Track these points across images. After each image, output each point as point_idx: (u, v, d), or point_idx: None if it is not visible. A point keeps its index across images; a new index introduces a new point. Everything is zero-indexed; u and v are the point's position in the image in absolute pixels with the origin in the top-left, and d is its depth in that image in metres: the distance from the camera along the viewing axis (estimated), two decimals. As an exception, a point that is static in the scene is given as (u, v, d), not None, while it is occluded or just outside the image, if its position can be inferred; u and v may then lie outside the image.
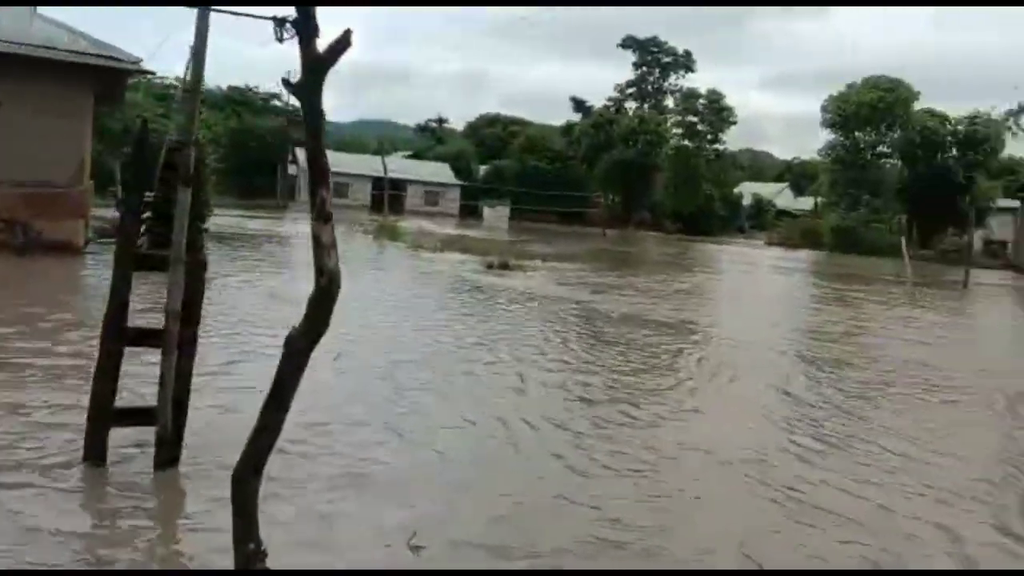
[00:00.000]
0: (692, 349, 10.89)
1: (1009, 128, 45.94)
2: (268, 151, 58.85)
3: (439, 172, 69.79)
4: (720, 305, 18.82)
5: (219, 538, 3.37)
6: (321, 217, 2.61)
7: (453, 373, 8.09)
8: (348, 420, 6.13)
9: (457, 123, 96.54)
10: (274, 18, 2.73)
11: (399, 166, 62.31)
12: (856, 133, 56.18)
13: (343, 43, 2.49)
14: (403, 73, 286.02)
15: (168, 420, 4.73)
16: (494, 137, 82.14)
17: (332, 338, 9.05)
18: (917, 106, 55.61)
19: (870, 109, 54.26)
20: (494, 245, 29.08)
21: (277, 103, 69.88)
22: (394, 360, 8.35)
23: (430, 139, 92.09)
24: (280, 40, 2.74)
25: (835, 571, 3.89)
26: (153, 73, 22.24)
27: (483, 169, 72.46)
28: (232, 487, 2.81)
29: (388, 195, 36.85)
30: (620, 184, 64.22)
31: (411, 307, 12.63)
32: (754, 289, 24.24)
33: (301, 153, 68.03)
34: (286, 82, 2.68)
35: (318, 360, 7.86)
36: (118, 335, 4.71)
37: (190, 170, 4.67)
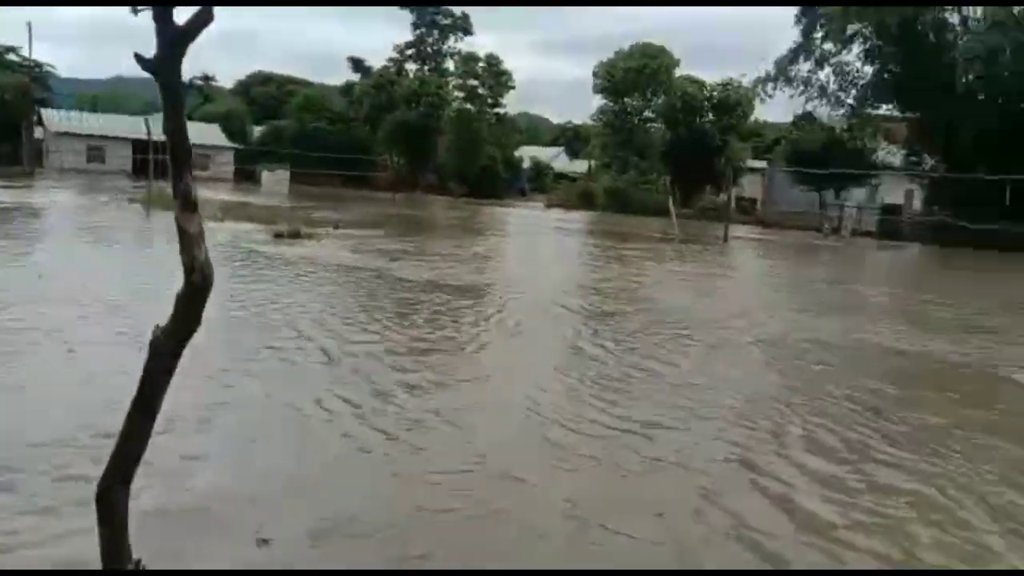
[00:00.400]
0: (491, 310, 11.19)
1: (758, 94, 50.69)
2: (8, 112, 52.14)
3: (208, 133, 65.43)
4: (513, 267, 19.30)
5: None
6: (187, 206, 2.31)
7: (256, 351, 7.63)
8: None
9: (226, 81, 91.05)
10: None
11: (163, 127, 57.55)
12: (625, 99, 59.40)
13: (205, 15, 2.18)
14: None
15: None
16: (268, 96, 78.38)
17: (125, 317, 8.21)
18: (678, 73, 59.78)
19: (636, 75, 57.52)
20: (279, 212, 27.84)
21: (13, 57, 62.14)
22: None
23: (196, 97, 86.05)
24: (135, 11, 2.34)
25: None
26: None
27: (258, 131, 69.01)
28: (98, 502, 2.55)
29: (154, 159, 33.91)
30: (404, 146, 63.79)
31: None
32: (542, 250, 25.13)
33: (48, 113, 61.29)
34: (139, 57, 2.30)
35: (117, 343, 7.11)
36: None
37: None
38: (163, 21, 2.18)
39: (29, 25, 46.96)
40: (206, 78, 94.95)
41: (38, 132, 56.08)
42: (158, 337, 2.45)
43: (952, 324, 12.85)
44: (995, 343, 11.17)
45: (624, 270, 18.72)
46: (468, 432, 5.76)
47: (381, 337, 8.75)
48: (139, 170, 52.50)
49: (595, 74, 60.47)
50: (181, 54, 2.29)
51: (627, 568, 3.90)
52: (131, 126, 58.65)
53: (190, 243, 2.36)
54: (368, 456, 5.15)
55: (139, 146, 54.17)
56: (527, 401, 6.54)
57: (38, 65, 62.07)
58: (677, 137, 58.16)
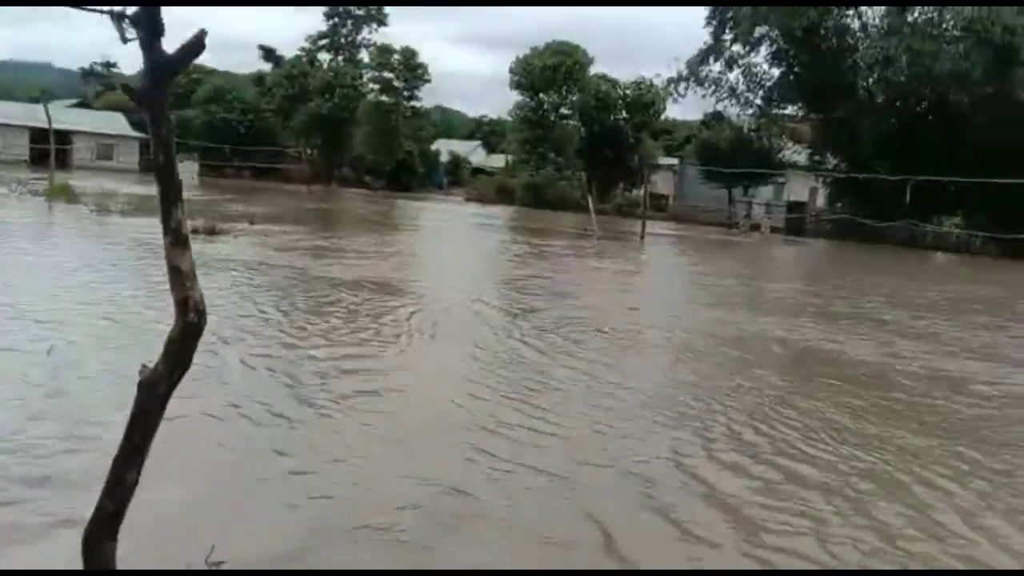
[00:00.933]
0: (411, 309, 11.17)
1: (670, 94, 51.93)
2: None
3: (112, 122, 62.87)
4: (434, 263, 19.32)
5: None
6: (178, 242, 2.26)
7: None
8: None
9: (128, 68, 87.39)
10: (111, 11, 2.26)
11: (63, 116, 54.94)
12: (541, 95, 59.89)
13: (196, 45, 2.17)
14: (61, 13, 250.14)
15: None
16: (174, 85, 75.62)
17: (49, 327, 7.85)
18: (592, 71, 60.63)
19: (552, 72, 58.06)
20: (190, 206, 26.94)
21: None
22: (118, 346, 7.49)
23: (97, 85, 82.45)
24: (124, 39, 2.29)
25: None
26: None
27: (165, 120, 66.51)
28: (84, 551, 2.45)
29: (55, 149, 32.40)
30: (318, 138, 62.67)
31: (116, 288, 11.33)
32: (463, 246, 25.18)
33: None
34: (127, 88, 2.28)
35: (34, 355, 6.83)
36: None
37: None
38: (152, 51, 2.17)
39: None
40: (107, 64, 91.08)
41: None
42: (149, 378, 2.38)
43: (849, 316, 13.57)
44: (891, 335, 11.86)
45: (544, 266, 18.96)
46: (387, 431, 5.82)
47: (304, 339, 8.67)
48: (37, 160, 49.97)
49: (511, 70, 60.69)
50: (168, 85, 2.27)
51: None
52: (26, 113, 55.74)
53: (183, 281, 2.31)
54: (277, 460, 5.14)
55: (36, 134, 51.55)
56: (448, 404, 6.60)
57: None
58: (592, 134, 59.03)
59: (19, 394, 5.94)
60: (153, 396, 2.37)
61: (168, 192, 2.30)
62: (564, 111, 60.89)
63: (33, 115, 50.60)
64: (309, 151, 63.67)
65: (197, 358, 6.70)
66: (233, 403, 6.10)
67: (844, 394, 8.01)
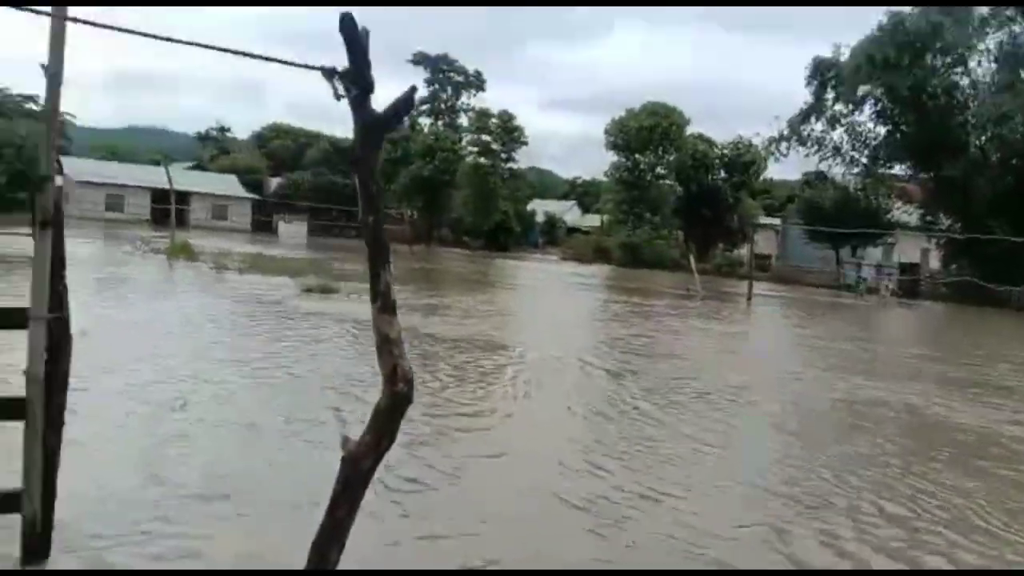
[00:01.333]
0: (518, 367, 11.11)
1: (772, 153, 51.11)
2: (29, 161, 52.70)
3: (226, 184, 66.17)
4: (537, 322, 19.21)
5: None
6: (387, 308, 2.15)
7: (315, 410, 7.52)
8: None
9: (240, 131, 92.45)
10: (323, 68, 2.27)
11: (182, 177, 58.24)
12: (637, 155, 60.04)
13: (406, 103, 2.13)
14: (172, 78, 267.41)
15: (36, 505, 3.93)
16: (284, 148, 79.37)
17: (179, 381, 8.06)
18: (688, 131, 60.53)
19: (648, 133, 58.24)
20: (302, 264, 27.89)
21: (33, 106, 63.08)
22: (278, 406, 7.62)
23: (212, 148, 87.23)
24: (337, 96, 2.28)
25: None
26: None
27: (275, 182, 69.73)
28: None
29: (175, 209, 34.25)
30: (419, 199, 64.33)
31: (244, 344, 11.66)
32: (563, 305, 25.00)
33: (68, 162, 61.94)
34: (339, 148, 2.28)
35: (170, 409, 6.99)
36: (-31, 407, 3.86)
37: (51, 211, 3.91)
38: (362, 110, 2.13)
39: (43, 67, 47.76)
40: (221, 129, 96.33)
41: (57, 180, 56.69)
42: (353, 452, 2.25)
43: (976, 384, 12.68)
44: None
45: (647, 325, 18.61)
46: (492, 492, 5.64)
47: (416, 397, 8.65)
48: (157, 219, 52.93)
49: (607, 131, 61.22)
50: (379, 145, 2.21)
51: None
52: (148, 175, 59.22)
53: (391, 348, 2.19)
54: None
55: (156, 195, 54.71)
56: (560, 468, 6.41)
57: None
58: (689, 193, 58.64)
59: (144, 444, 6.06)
60: (358, 470, 2.26)
61: (377, 255, 2.21)
62: (660, 171, 60.82)
63: (154, 177, 53.69)
64: (410, 212, 65.37)
65: (319, 412, 6.70)
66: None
67: (995, 479, 7.40)
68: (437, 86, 72.51)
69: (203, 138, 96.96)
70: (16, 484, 3.94)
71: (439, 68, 71.98)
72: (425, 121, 72.02)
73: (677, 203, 59.34)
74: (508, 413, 8.54)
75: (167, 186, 34.54)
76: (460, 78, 72.37)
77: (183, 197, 54.55)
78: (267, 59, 2.56)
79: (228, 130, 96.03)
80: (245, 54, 2.66)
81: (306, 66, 2.52)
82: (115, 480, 5.25)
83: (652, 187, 59.94)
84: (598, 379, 10.83)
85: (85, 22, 3.82)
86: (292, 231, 54.83)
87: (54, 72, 3.90)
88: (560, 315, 21.67)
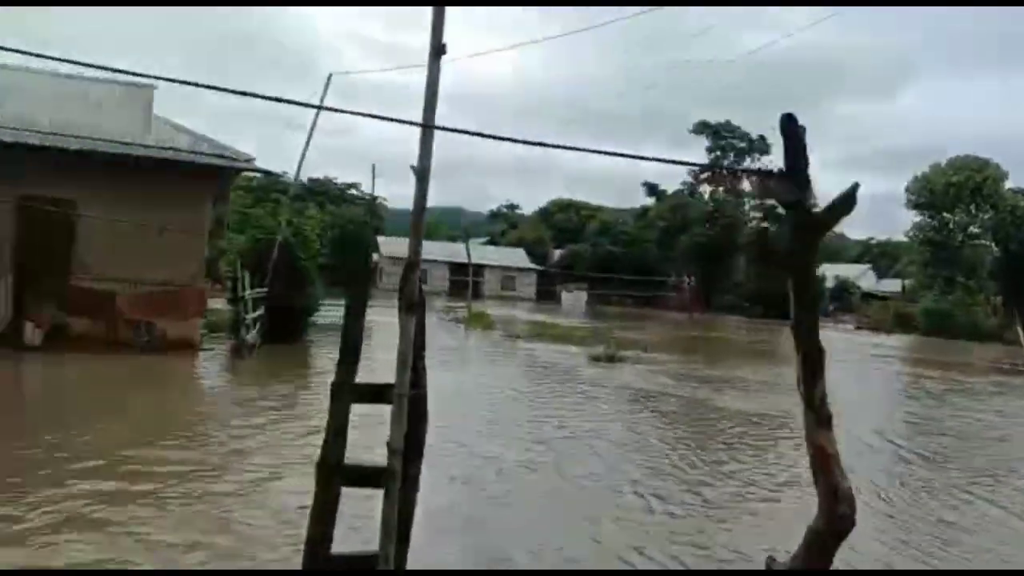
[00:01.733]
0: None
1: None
2: (353, 240, 60.03)
3: (514, 257, 70.35)
4: (837, 398, 17.85)
5: None
6: (823, 422, 2.06)
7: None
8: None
9: (527, 208, 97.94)
10: (758, 171, 2.37)
11: (476, 252, 63.09)
12: (945, 214, 54.68)
13: (847, 202, 2.10)
14: (466, 161, 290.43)
15: (390, 566, 4.33)
16: (567, 221, 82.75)
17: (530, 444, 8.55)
18: (1006, 185, 54.11)
19: (956, 189, 52.93)
20: (586, 332, 28.60)
21: (355, 192, 71.86)
22: (631, 476, 7.89)
23: (503, 224, 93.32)
24: (791, 207, 2.31)
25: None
26: (271, 173, 22.27)
27: (557, 253, 72.74)
28: None
29: (472, 281, 37.07)
30: (698, 266, 63.56)
31: (545, 407, 12.16)
32: (864, 379, 22.95)
33: (383, 240, 69.62)
34: (765, 249, 2.36)
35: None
36: (335, 475, 4.38)
37: (415, 295, 4.39)
38: (801, 211, 2.07)
39: (373, 167, 54.72)
40: (512, 207, 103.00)
41: (374, 257, 63.64)
42: (783, 571, 2.08)
43: None
44: None
45: (968, 404, 16.57)
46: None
47: (718, 479, 8.35)
48: (454, 290, 57.57)
49: (907, 189, 56.56)
50: (816, 245, 2.12)
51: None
52: (445, 250, 64.65)
53: (831, 466, 2.03)
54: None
55: (453, 267, 59.61)
56: None
57: (375, 198, 71.22)
58: (1009, 254, 51.96)
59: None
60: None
61: (810, 360, 2.06)
62: (974, 230, 54.76)
63: (451, 252, 58.49)
64: (689, 279, 64.76)
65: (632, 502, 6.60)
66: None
67: None
68: (719, 152, 71.78)
69: (495, 215, 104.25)
70: (360, 546, 4.39)
71: (720, 135, 71.36)
72: (706, 188, 71.41)
73: (994, 265, 52.86)
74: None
75: (465, 260, 37.43)
76: (743, 144, 71.07)
77: (478, 269, 59.03)
78: (651, 157, 2.71)
79: (517, 207, 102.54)
80: (577, 149, 2.82)
81: (724, 168, 2.61)
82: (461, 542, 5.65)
83: (964, 248, 54.08)
84: (914, 464, 9.87)
85: (444, 128, 4.34)
86: (573, 299, 56.73)
87: (421, 171, 4.44)
88: (859, 390, 19.97)
